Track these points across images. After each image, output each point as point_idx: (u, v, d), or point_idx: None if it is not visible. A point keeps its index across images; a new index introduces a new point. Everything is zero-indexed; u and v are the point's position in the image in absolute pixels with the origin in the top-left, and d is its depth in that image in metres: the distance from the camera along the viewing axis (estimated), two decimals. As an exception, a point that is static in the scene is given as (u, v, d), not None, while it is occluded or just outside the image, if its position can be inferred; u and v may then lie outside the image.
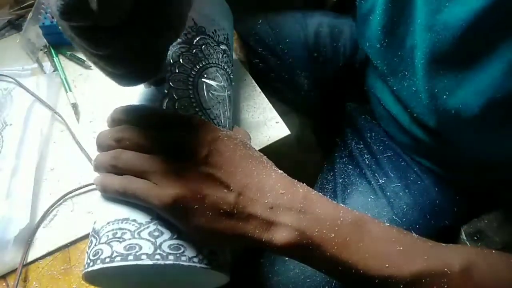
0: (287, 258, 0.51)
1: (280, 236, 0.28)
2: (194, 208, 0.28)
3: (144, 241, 0.28)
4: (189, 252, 0.29)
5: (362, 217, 0.30)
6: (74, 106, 0.52)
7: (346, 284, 0.31)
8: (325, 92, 0.69)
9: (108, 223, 0.30)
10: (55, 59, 0.56)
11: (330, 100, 0.69)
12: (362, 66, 0.59)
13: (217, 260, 0.30)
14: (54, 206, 0.43)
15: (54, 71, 0.56)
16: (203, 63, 0.37)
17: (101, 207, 0.32)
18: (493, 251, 0.31)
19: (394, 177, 0.53)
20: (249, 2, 0.73)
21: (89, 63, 0.56)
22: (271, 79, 0.69)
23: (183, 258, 0.28)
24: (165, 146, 0.30)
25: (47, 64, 0.57)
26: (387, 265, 0.27)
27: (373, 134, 0.58)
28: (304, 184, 0.32)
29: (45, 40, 0.57)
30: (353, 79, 0.64)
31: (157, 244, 0.28)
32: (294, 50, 0.67)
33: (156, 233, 0.29)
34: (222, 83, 0.38)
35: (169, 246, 0.28)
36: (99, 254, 0.29)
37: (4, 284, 0.39)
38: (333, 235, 0.28)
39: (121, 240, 0.29)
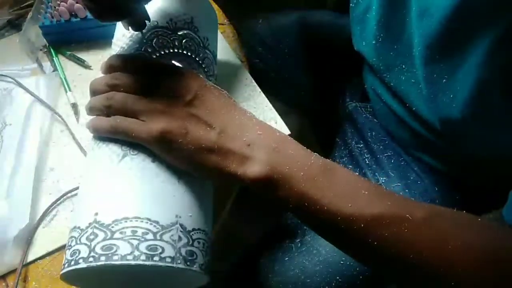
0: (287, 258, 0.51)
1: (253, 169, 0.30)
2: (178, 141, 0.31)
3: (121, 241, 0.28)
4: (167, 253, 0.29)
5: (333, 163, 0.32)
6: (74, 106, 0.52)
7: (311, 224, 0.32)
8: (325, 91, 0.69)
9: (89, 224, 0.30)
10: (55, 59, 0.56)
11: (330, 100, 0.69)
12: (362, 65, 0.59)
13: (195, 260, 0.30)
14: (54, 206, 0.43)
15: (53, 71, 0.56)
16: (154, 56, 0.37)
17: (76, 209, 0.32)
18: (464, 211, 0.31)
19: (394, 177, 0.53)
20: (249, 2, 0.73)
21: (89, 63, 0.56)
22: (271, 79, 0.69)
23: (160, 258, 0.28)
24: (155, 91, 0.32)
25: (46, 64, 0.57)
26: (350, 205, 0.29)
27: (373, 133, 0.58)
28: (283, 132, 0.33)
29: (44, 40, 0.57)
30: (353, 78, 0.64)
31: (134, 245, 0.28)
32: (294, 50, 0.67)
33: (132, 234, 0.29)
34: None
35: (146, 247, 0.28)
36: (76, 254, 0.29)
37: (3, 284, 0.39)
38: (302, 173, 0.30)
39: (96, 241, 0.29)
